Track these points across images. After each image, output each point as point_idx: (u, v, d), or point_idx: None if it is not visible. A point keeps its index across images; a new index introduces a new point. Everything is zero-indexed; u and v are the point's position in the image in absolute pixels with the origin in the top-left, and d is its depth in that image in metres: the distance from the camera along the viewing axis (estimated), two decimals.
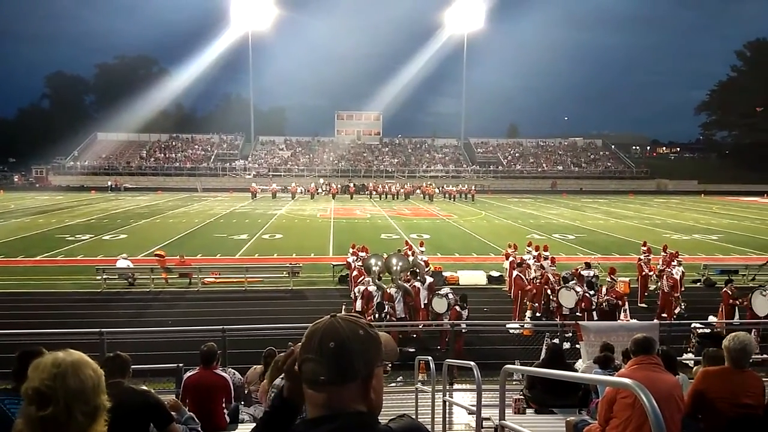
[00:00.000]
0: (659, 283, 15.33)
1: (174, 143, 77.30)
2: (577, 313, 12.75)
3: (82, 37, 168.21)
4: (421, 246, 18.61)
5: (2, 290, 16.99)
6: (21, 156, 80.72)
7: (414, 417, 1.54)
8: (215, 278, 18.37)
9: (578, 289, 12.96)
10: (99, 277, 17.43)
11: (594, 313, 12.78)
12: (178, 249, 21.54)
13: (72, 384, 1.60)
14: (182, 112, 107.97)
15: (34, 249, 23.47)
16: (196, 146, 76.55)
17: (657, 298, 15.76)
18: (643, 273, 16.38)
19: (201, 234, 28.86)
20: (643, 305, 15.90)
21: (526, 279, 14.66)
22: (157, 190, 60.30)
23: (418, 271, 14.39)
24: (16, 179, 69.84)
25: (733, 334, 4.13)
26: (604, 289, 13.42)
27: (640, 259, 16.78)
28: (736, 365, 4.03)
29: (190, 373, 5.92)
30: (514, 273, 14.46)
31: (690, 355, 10.45)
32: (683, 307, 14.62)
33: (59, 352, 1.71)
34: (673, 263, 15.77)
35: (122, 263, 18.15)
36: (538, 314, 14.80)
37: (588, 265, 15.61)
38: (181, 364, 7.86)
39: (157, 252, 19.38)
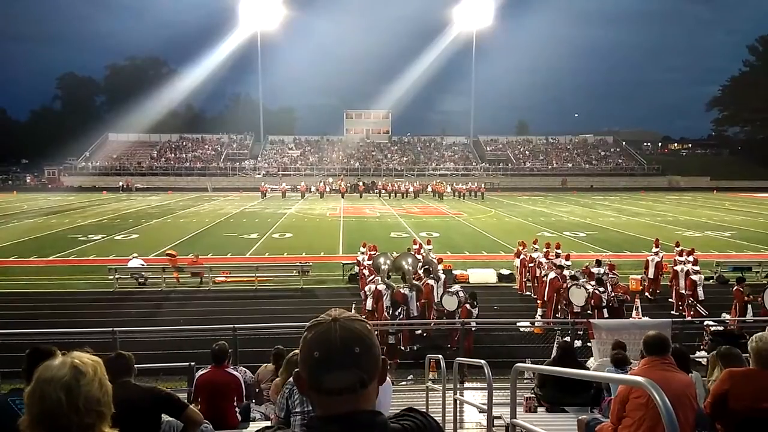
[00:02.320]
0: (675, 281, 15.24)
1: (184, 143, 77.78)
2: (588, 311, 12.67)
3: (93, 39, 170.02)
4: (428, 244, 18.57)
5: (16, 290, 17.17)
6: (33, 157, 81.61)
7: (425, 412, 1.53)
8: (226, 277, 18.45)
9: (588, 286, 12.88)
10: (111, 277, 17.56)
11: (605, 310, 12.69)
12: (190, 248, 21.66)
13: (36, 404, 1.64)
14: (192, 112, 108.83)
15: (46, 249, 23.70)
16: (206, 146, 76.96)
17: (670, 295, 15.76)
18: (661, 273, 16.36)
19: (211, 233, 29.00)
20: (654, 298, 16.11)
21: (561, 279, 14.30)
22: (167, 190, 60.65)
23: (430, 269, 14.37)
24: (28, 180, 70.66)
25: (758, 334, 4.04)
26: (609, 287, 13.34)
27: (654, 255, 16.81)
28: (763, 366, 3.93)
29: (202, 372, 5.95)
30: (552, 274, 14.09)
31: (703, 353, 10.35)
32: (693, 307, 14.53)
33: (54, 360, 1.71)
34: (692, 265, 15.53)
35: (134, 263, 18.27)
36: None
37: (598, 263, 15.53)
38: (192, 363, 7.91)
39: (169, 251, 19.50)
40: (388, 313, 12.60)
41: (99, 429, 1.69)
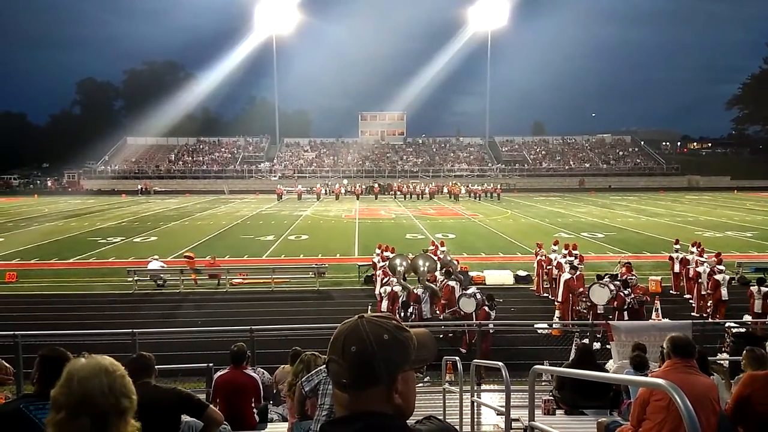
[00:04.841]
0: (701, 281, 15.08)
1: (201, 146, 78.52)
2: (608, 314, 12.50)
3: (111, 44, 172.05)
4: (442, 246, 18.52)
5: (37, 292, 17.43)
6: (54, 161, 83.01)
7: (442, 418, 1.52)
8: (243, 279, 18.56)
9: (612, 286, 12.68)
10: (130, 279, 17.76)
11: (625, 312, 12.51)
12: (207, 250, 21.85)
13: (76, 392, 1.66)
14: (209, 115, 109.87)
15: (67, 252, 24.04)
16: (223, 149, 77.59)
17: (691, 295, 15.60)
18: (689, 274, 16.23)
19: (228, 235, 29.22)
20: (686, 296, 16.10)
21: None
22: (185, 192, 61.21)
23: (451, 270, 14.30)
24: (49, 184, 71.81)
25: None
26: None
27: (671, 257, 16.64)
28: None
29: (221, 373, 5.99)
30: (567, 275, 13.87)
31: (724, 355, 10.18)
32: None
33: (81, 358, 1.76)
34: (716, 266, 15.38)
35: (154, 264, 18.47)
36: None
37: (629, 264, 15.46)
38: (211, 364, 7.96)
39: (187, 254, 19.67)
40: (400, 315, 12.57)
41: (129, 417, 1.74)
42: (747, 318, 12.73)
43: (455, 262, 16.15)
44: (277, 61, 79.60)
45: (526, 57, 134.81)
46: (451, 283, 13.61)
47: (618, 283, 13.01)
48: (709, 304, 14.30)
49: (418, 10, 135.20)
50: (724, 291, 13.95)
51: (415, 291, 13.08)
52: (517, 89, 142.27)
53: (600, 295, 12.51)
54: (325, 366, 1.42)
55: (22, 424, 2.59)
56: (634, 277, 14.01)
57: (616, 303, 12.50)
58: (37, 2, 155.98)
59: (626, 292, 12.64)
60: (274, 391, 7.21)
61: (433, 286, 13.46)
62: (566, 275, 13.88)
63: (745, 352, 4.81)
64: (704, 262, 15.42)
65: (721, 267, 14.57)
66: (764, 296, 12.79)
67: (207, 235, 29.03)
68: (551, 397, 7.08)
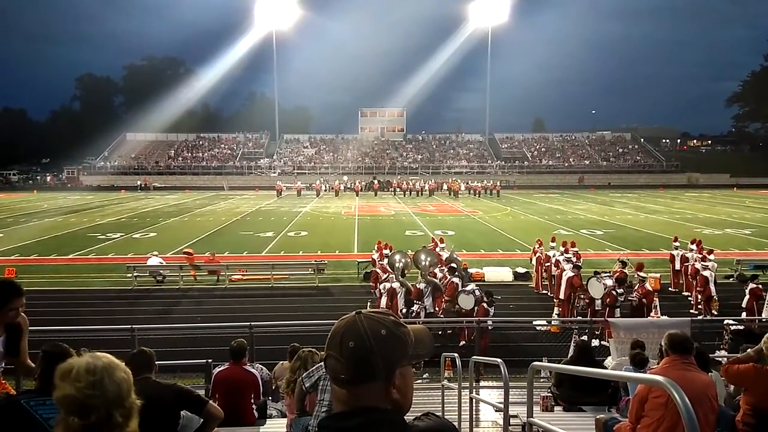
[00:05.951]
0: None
1: (201, 142, 78.44)
2: (600, 309, 12.50)
3: (111, 40, 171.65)
4: (441, 242, 18.54)
5: (36, 288, 17.40)
6: (53, 157, 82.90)
7: (440, 415, 1.52)
8: (242, 275, 18.57)
9: (607, 281, 12.69)
10: (129, 275, 17.77)
11: (617, 310, 12.44)
12: (207, 247, 21.86)
13: (110, 390, 1.64)
14: (208, 111, 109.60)
15: (66, 247, 24.03)
16: (222, 145, 77.55)
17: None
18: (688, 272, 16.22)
19: (228, 232, 29.21)
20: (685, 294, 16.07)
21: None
22: (184, 188, 61.19)
23: (455, 266, 14.28)
24: (48, 179, 71.67)
25: None
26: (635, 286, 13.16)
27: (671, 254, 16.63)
28: None
29: (220, 369, 6.00)
30: (570, 273, 13.86)
31: (723, 353, 10.20)
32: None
33: (88, 356, 1.72)
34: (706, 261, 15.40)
35: (153, 261, 18.47)
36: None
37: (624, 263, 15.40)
38: (210, 360, 7.97)
39: (186, 250, 19.68)
40: (402, 312, 12.57)
41: (135, 418, 1.74)
42: (746, 315, 12.77)
43: (459, 260, 16.16)
44: (277, 57, 79.67)
45: (526, 54, 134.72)
46: (455, 279, 13.60)
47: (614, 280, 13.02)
48: (698, 301, 14.37)
49: (418, 6, 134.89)
50: (712, 287, 13.98)
51: (417, 285, 13.07)
52: (517, 86, 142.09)
53: (596, 289, 12.58)
54: (322, 362, 1.42)
55: (22, 419, 2.59)
56: (640, 276, 13.97)
57: (608, 300, 12.49)
58: None
59: (620, 291, 12.61)
60: (273, 387, 7.23)
61: (436, 281, 13.46)
62: (569, 273, 13.88)
63: (759, 346, 4.78)
64: (700, 258, 15.44)
65: (707, 264, 14.58)
66: (750, 292, 12.84)
67: (206, 231, 29.02)
68: (550, 394, 7.09)
